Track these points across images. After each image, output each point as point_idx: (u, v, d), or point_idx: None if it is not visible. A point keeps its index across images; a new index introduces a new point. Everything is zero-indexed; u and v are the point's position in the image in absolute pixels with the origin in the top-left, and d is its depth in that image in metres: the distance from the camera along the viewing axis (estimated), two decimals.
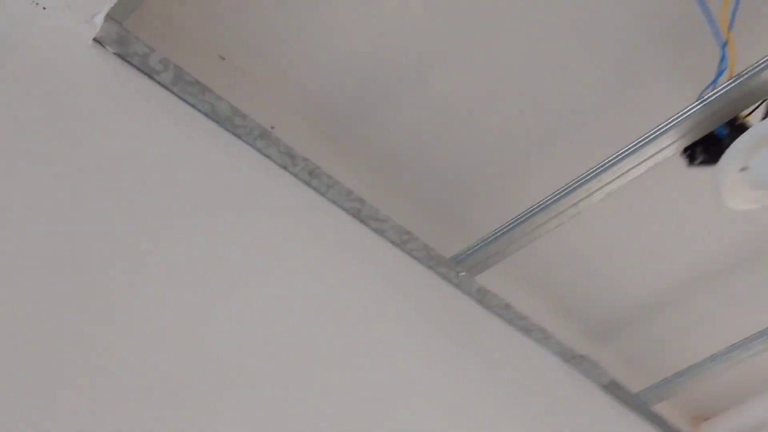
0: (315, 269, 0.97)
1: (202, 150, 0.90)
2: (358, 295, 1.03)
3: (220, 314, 0.78)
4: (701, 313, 1.67)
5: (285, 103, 1.13)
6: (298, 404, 0.80)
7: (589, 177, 1.12)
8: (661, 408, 1.72)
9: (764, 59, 1.01)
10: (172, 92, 0.89)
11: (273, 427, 0.74)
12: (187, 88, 0.90)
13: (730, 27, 1.03)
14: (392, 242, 1.15)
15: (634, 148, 1.09)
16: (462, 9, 1.10)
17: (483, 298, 1.28)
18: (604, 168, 1.11)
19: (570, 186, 1.13)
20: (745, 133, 1.05)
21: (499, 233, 1.19)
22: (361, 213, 1.10)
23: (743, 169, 1.07)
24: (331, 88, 1.15)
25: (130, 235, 0.73)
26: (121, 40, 0.84)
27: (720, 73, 1.04)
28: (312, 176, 1.04)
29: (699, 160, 1.14)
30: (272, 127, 1.06)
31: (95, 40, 0.83)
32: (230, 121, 0.95)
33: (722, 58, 1.05)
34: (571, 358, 1.47)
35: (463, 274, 1.24)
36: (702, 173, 1.14)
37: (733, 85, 1.02)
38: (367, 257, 1.10)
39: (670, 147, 1.09)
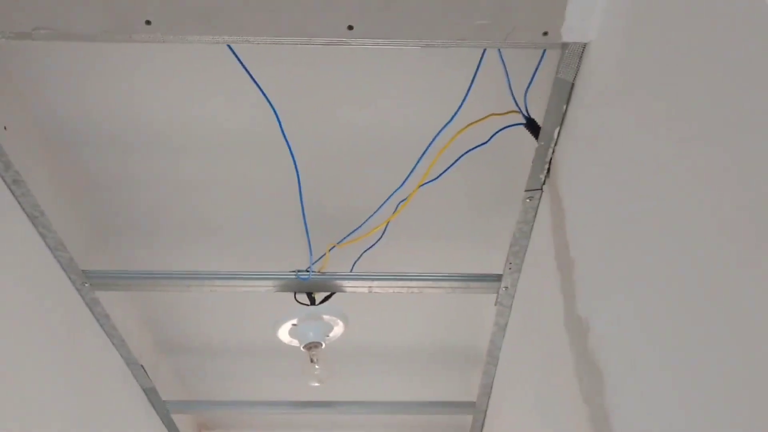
0: None
1: None
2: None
3: None
4: (243, 373, 2.26)
5: (24, 109, 1.39)
6: None
7: (207, 277, 1.58)
8: (178, 417, 2.25)
9: (336, 273, 1.59)
10: None
11: None
12: None
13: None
14: (49, 247, 1.46)
15: (243, 276, 1.59)
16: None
17: (93, 306, 1.65)
18: (221, 277, 1.58)
19: (191, 275, 1.58)
20: (309, 308, 1.61)
21: (131, 277, 1.59)
22: (37, 221, 1.40)
23: (294, 324, 1.63)
24: (71, 114, 1.43)
25: None
26: None
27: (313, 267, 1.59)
28: (15, 184, 1.31)
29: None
30: (5, 128, 1.30)
31: None
32: None
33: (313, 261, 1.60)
34: (131, 363, 1.90)
35: (87, 285, 1.59)
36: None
37: (317, 277, 1.58)
38: (22, 254, 1.39)
39: (265, 288, 1.61)
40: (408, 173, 1.37)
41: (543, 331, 1.39)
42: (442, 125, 1.28)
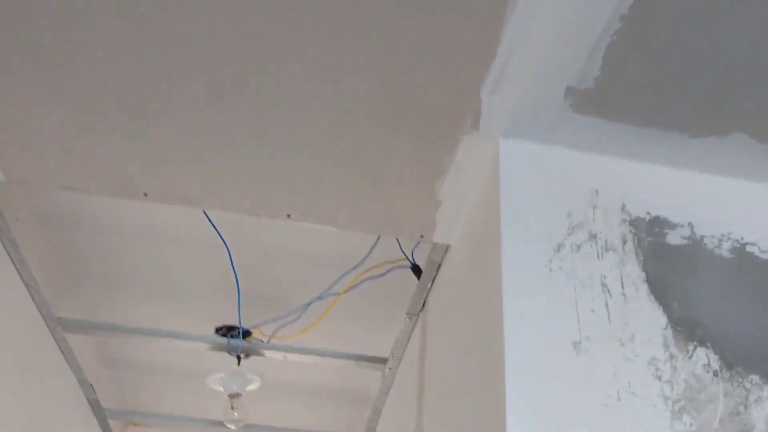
0: None
1: None
2: None
3: None
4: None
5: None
6: None
7: (157, 335, 2.00)
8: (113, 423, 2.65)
9: (260, 343, 2.03)
10: None
11: None
12: None
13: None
14: (35, 302, 1.86)
15: (187, 337, 2.01)
16: None
17: (60, 342, 2.05)
18: (171, 336, 2.01)
19: (146, 331, 2.00)
20: (235, 366, 2.05)
21: (96, 326, 2.00)
22: (30, 286, 1.79)
23: (221, 377, 2.07)
24: None
25: None
26: None
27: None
28: (19, 262, 1.71)
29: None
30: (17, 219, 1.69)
31: None
32: None
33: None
34: (82, 382, 2.30)
35: (59, 328, 1.99)
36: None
37: (246, 344, 2.02)
38: (14, 305, 1.79)
39: (204, 347, 2.04)
40: (326, 288, 1.84)
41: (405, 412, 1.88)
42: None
